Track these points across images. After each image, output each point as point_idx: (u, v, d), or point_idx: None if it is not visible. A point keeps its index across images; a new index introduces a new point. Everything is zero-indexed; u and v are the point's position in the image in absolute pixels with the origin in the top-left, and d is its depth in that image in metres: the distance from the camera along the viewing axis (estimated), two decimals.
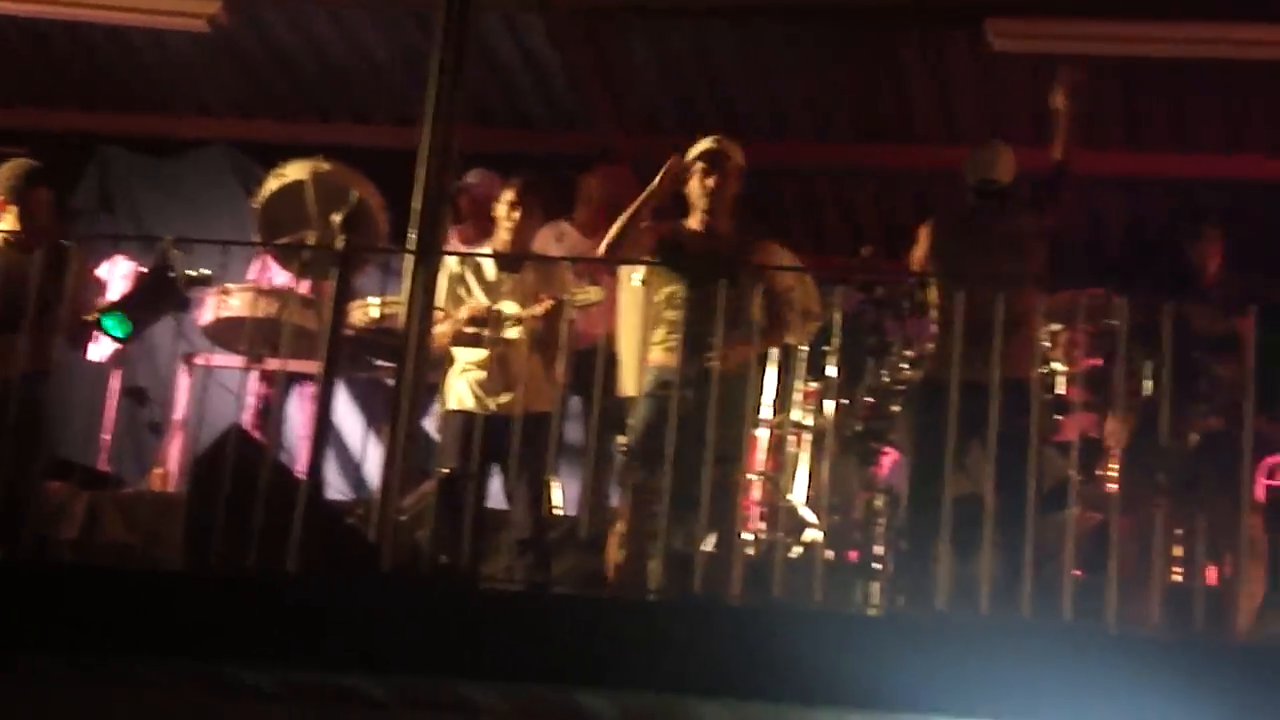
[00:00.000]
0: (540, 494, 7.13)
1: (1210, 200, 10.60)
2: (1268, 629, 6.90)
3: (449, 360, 7.52)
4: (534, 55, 10.28)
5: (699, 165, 7.14)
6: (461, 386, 7.48)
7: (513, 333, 7.38)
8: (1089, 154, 10.27)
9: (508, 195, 7.67)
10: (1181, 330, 6.37)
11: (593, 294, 7.64)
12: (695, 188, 7.15)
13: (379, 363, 8.79)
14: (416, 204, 6.87)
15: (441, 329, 7.35)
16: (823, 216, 11.44)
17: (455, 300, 7.54)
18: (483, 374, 7.42)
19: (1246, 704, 5.47)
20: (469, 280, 7.61)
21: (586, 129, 10.70)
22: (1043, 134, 10.36)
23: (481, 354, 7.43)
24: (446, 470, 7.18)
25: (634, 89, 10.57)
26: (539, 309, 7.32)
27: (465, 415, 7.37)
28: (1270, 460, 7.88)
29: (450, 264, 7.50)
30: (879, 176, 10.49)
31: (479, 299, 7.52)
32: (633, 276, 7.68)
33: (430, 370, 7.04)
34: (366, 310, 8.34)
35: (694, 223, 7.20)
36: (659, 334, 7.00)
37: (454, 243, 8.46)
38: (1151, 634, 5.83)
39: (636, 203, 7.07)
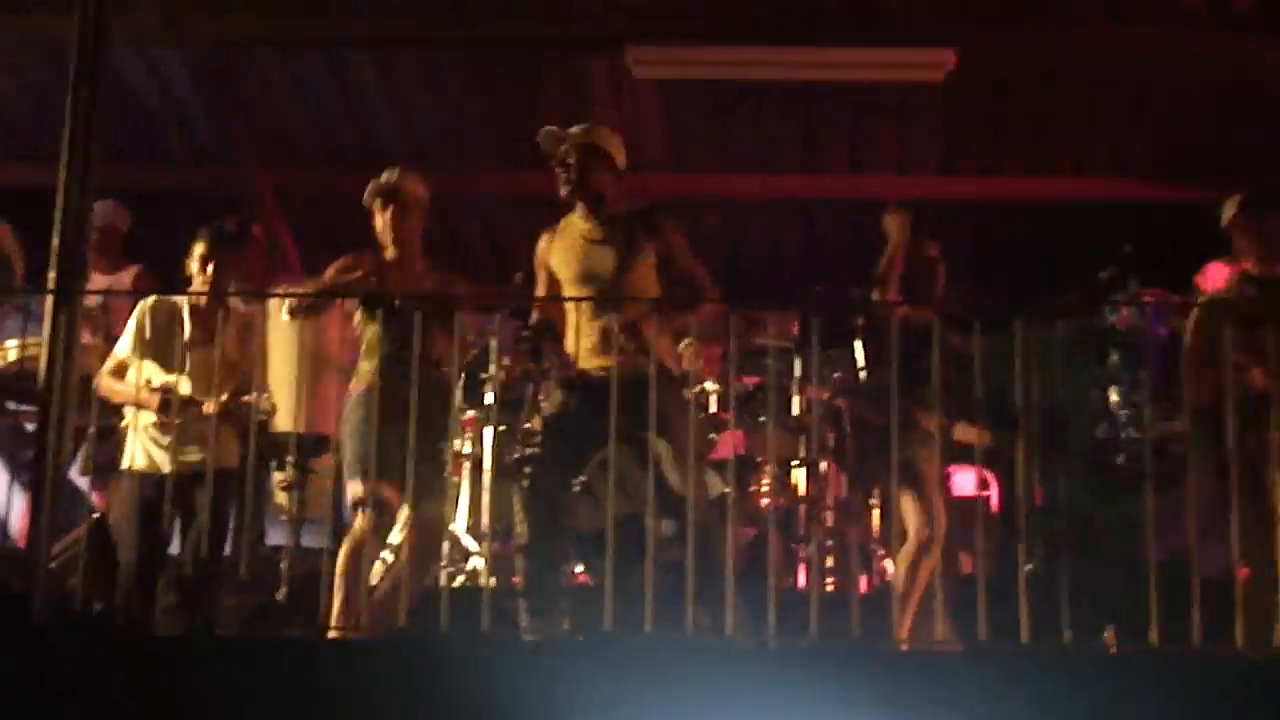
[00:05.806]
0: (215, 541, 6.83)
1: (837, 220, 11.06)
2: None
3: (120, 416, 7.18)
4: (170, 88, 10.09)
5: (375, 200, 6.96)
6: (138, 447, 7.10)
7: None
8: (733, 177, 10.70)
9: (198, 249, 7.20)
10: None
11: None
12: (378, 223, 6.97)
13: (20, 407, 8.48)
14: (55, 242, 6.65)
15: (116, 385, 7.08)
16: (469, 245, 11.48)
17: (159, 345, 7.06)
18: (161, 435, 6.98)
19: (904, 709, 5.63)
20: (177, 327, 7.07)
21: (226, 162, 10.55)
22: (679, 159, 10.71)
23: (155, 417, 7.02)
24: (96, 515, 6.93)
25: (272, 120, 10.45)
26: (212, 405, 6.82)
27: (142, 475, 7.03)
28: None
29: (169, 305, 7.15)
30: (522, 203, 10.53)
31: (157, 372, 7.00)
32: (282, 311, 7.40)
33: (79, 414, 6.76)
34: (5, 353, 8.06)
35: (389, 257, 6.99)
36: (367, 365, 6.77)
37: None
38: (809, 644, 5.94)
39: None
